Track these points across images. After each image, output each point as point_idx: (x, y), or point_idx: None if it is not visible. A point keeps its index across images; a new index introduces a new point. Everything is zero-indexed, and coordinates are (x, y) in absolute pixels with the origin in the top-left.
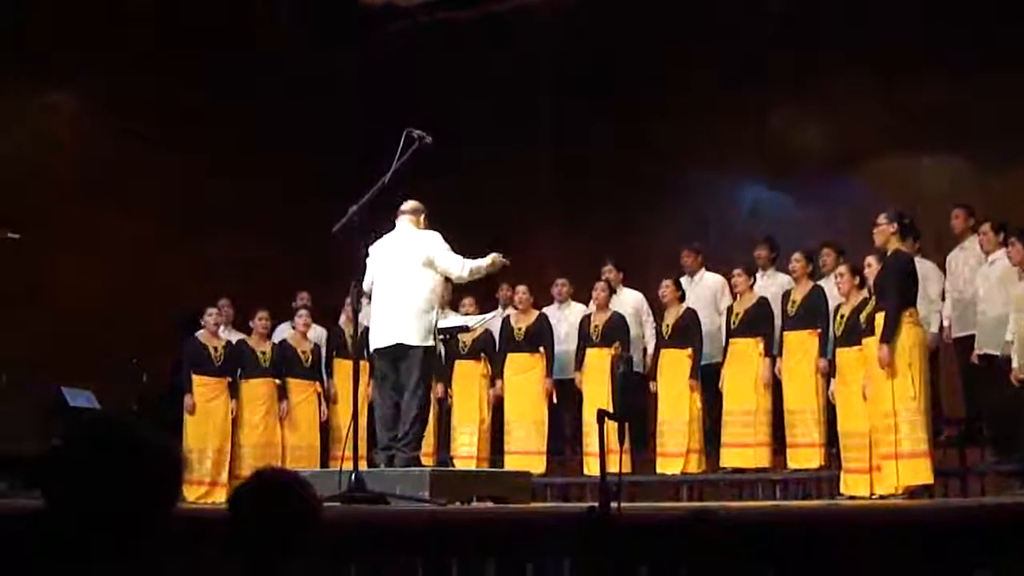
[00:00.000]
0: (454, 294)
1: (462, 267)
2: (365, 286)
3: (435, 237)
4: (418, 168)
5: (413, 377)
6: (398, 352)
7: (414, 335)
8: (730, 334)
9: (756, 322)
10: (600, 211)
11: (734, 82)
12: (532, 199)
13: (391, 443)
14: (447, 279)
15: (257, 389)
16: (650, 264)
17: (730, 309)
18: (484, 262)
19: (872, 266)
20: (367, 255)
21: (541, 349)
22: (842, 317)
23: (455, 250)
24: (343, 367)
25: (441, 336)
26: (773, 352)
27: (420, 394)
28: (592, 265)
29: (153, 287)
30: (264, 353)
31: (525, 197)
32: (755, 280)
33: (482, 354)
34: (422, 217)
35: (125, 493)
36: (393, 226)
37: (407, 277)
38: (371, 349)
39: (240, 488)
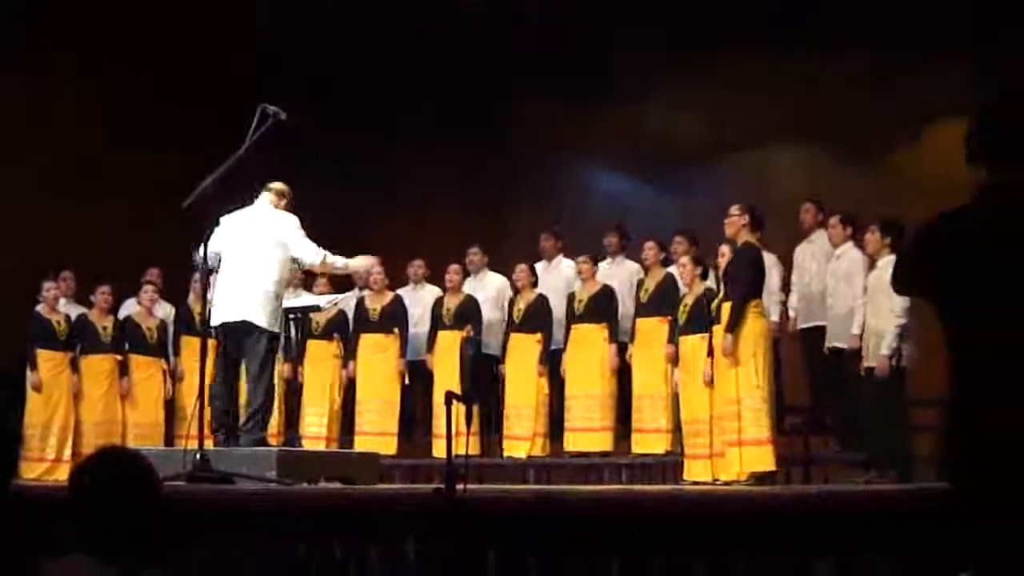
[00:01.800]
0: (308, 273)
1: (316, 254)
2: (210, 257)
3: (292, 220)
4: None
5: (256, 363)
6: (242, 329)
7: (260, 316)
8: (573, 319)
9: (600, 308)
10: (458, 193)
11: (602, 68)
12: (387, 180)
13: (226, 419)
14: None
15: (98, 365)
16: (512, 247)
17: (572, 295)
18: (348, 261)
19: (726, 255)
20: (216, 224)
21: (395, 330)
22: (685, 306)
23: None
24: (191, 345)
25: (292, 315)
26: (618, 338)
27: (264, 380)
28: (452, 247)
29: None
30: (105, 328)
31: (382, 178)
32: (599, 268)
33: (335, 334)
34: (284, 201)
35: None
36: (252, 202)
37: (258, 256)
38: (213, 323)
39: (80, 466)
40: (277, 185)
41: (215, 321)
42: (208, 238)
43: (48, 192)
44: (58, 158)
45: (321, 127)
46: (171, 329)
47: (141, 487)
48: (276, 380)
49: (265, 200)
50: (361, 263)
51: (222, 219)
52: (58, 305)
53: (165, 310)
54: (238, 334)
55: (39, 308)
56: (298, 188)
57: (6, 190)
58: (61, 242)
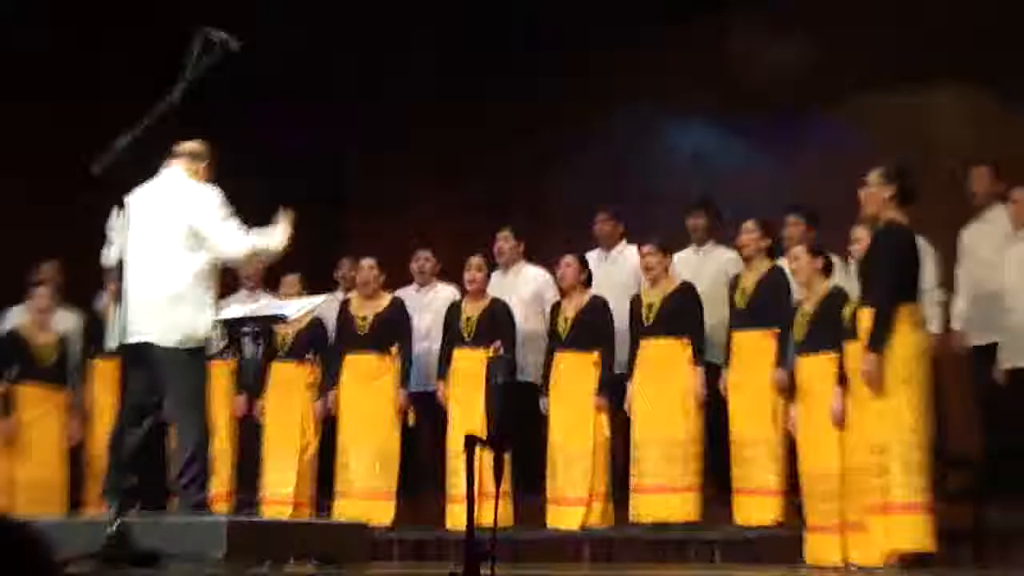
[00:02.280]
0: (272, 269)
1: (240, 242)
2: (112, 254)
3: (209, 195)
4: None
5: (176, 396)
6: (144, 355)
7: (170, 332)
8: (641, 332)
9: (679, 316)
10: (480, 159)
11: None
12: (377, 141)
13: (123, 481)
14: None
15: None
16: (554, 232)
17: (639, 299)
18: (274, 236)
19: (862, 241)
20: (121, 207)
21: (393, 349)
22: (803, 314)
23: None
24: (104, 370)
25: (247, 329)
26: (705, 358)
27: (193, 418)
28: (473, 234)
29: None
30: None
31: (371, 139)
32: (677, 259)
33: (308, 354)
34: (203, 166)
35: None
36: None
37: (164, 248)
38: (117, 344)
39: None
40: (190, 145)
41: (121, 341)
42: (111, 225)
43: None
44: None
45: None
46: (74, 348)
47: (34, 572)
48: (219, 420)
49: (176, 169)
50: (287, 220)
51: (127, 199)
52: None
53: (67, 322)
54: (146, 360)
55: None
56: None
57: None
58: None
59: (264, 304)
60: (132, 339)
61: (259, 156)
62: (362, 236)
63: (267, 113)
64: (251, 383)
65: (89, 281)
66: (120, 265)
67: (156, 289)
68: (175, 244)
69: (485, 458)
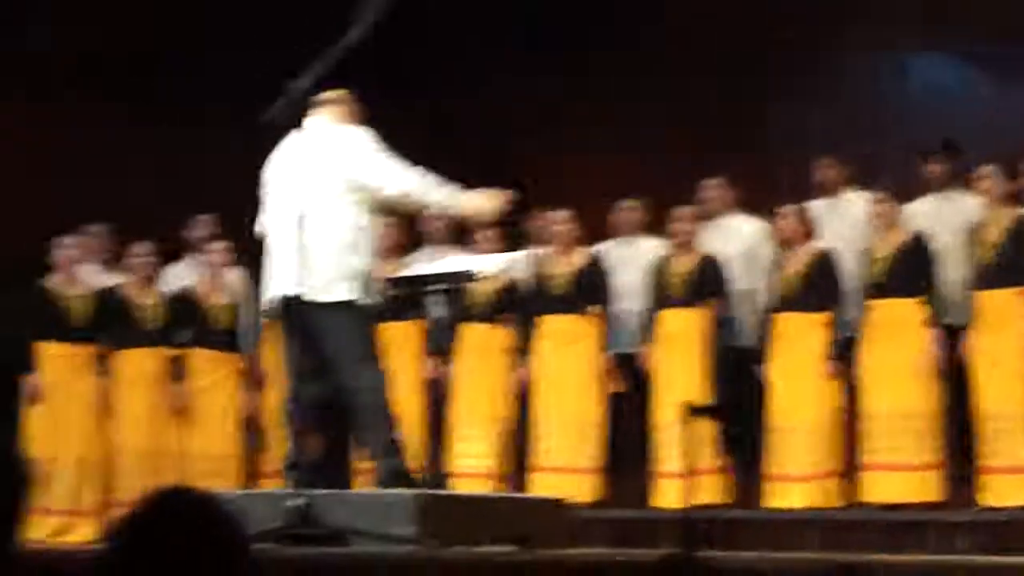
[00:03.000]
0: (462, 224)
1: (401, 180)
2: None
3: (360, 134)
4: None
5: (345, 354)
6: (304, 314)
7: (326, 285)
8: (871, 290)
9: (911, 272)
10: (693, 101)
11: None
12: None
13: (300, 453)
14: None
15: (139, 364)
16: (775, 180)
17: (868, 253)
18: (454, 197)
19: None
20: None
21: (593, 308)
22: None
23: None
24: (275, 332)
25: (435, 288)
26: (944, 319)
27: (367, 377)
28: (680, 180)
29: None
30: (150, 307)
31: (573, 88)
32: (907, 208)
33: (504, 316)
34: (347, 110)
35: None
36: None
37: (315, 197)
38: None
39: (127, 521)
40: (332, 92)
41: (274, 300)
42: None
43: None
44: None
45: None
46: (246, 309)
47: (222, 551)
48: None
49: (321, 118)
50: (477, 204)
51: (275, 153)
52: (78, 274)
53: (234, 281)
54: (301, 319)
55: (49, 279)
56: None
57: None
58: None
59: (454, 261)
60: (288, 294)
61: (431, 108)
62: (552, 187)
63: (437, 64)
64: (440, 346)
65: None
66: (270, 222)
67: (313, 241)
68: (329, 192)
69: (703, 430)
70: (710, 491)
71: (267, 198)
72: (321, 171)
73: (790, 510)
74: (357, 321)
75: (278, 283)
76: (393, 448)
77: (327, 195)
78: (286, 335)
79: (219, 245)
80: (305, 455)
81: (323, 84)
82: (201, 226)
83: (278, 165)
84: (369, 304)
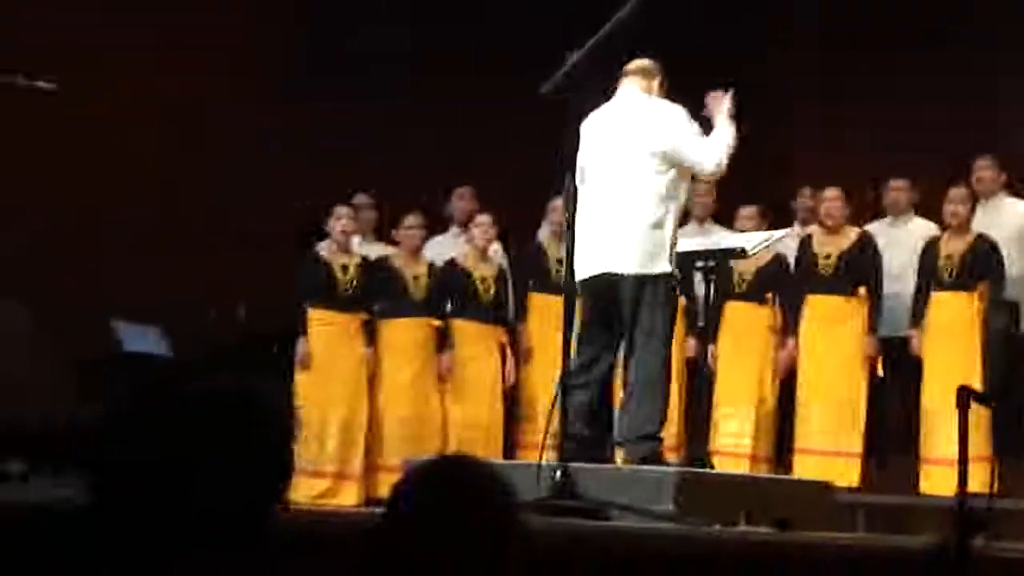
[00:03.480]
0: (725, 201)
1: (718, 159)
2: (568, 182)
3: (675, 112)
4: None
5: (640, 325)
6: (609, 286)
7: (634, 259)
8: None
9: None
10: (960, 75)
11: None
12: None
13: (589, 427)
14: (692, 177)
15: (406, 333)
16: None
17: None
18: (730, 133)
19: None
20: (578, 135)
21: (861, 290)
22: None
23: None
24: (542, 306)
25: (701, 263)
26: None
27: (653, 350)
28: (951, 156)
29: (251, 174)
30: (417, 278)
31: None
32: None
33: (769, 294)
34: (656, 82)
35: (211, 484)
36: (611, 95)
37: (627, 172)
38: (578, 278)
39: (404, 486)
40: (640, 63)
41: (579, 275)
42: (576, 149)
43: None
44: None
45: None
46: (509, 282)
47: (498, 518)
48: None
49: (631, 89)
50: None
51: (582, 127)
52: (352, 244)
53: (498, 253)
54: (608, 293)
55: (320, 248)
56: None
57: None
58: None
59: (718, 238)
60: (595, 271)
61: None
62: (821, 162)
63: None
64: (703, 324)
65: (513, 210)
66: (574, 193)
67: (625, 214)
68: (643, 166)
69: (980, 415)
70: (981, 479)
71: (582, 166)
72: (638, 145)
73: None
74: (664, 295)
75: (594, 257)
76: (654, 431)
77: (642, 168)
78: (587, 307)
79: (484, 218)
80: (575, 428)
81: (599, 56)
82: (463, 198)
83: (594, 132)
84: (675, 278)
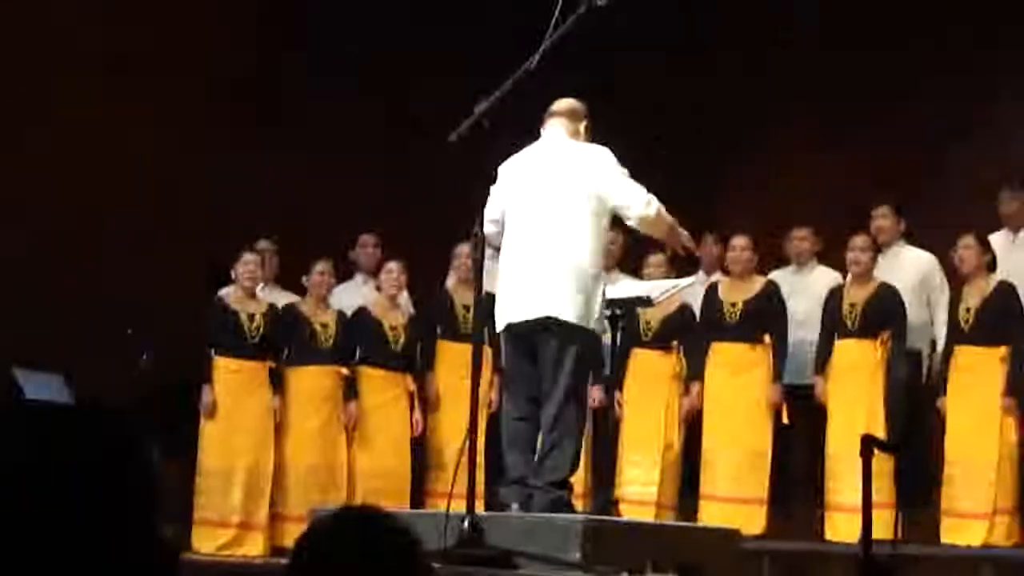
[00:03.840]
0: (629, 248)
1: (646, 203)
2: (488, 228)
3: (605, 156)
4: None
5: (563, 372)
6: (542, 331)
7: (569, 306)
8: None
9: None
10: (873, 127)
11: None
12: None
13: (526, 475)
14: (616, 223)
15: (313, 380)
16: (946, 209)
17: None
18: (677, 226)
19: None
20: (494, 179)
21: (766, 337)
22: None
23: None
24: (451, 354)
25: (610, 312)
26: None
27: (572, 400)
28: (851, 206)
29: (171, 219)
30: (325, 326)
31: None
32: None
33: (675, 342)
34: (583, 125)
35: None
36: (535, 137)
37: (561, 216)
38: (499, 327)
39: (309, 536)
40: (565, 104)
41: (500, 321)
42: (487, 199)
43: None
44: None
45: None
46: (417, 329)
47: (404, 572)
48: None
49: (556, 131)
50: (688, 242)
51: (501, 169)
52: (257, 290)
53: (406, 302)
54: (534, 338)
55: (226, 294)
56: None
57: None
58: (246, 198)
59: (626, 285)
60: (525, 316)
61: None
62: (733, 210)
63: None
64: (610, 372)
65: (423, 258)
66: (482, 239)
67: (562, 259)
68: (579, 209)
69: (883, 463)
70: (885, 526)
71: (506, 210)
72: (572, 187)
73: (967, 547)
74: (588, 346)
75: (525, 302)
76: (565, 480)
77: (578, 211)
78: (520, 355)
79: (394, 265)
80: (524, 472)
81: (507, 104)
82: (367, 246)
83: (518, 176)
84: (596, 330)
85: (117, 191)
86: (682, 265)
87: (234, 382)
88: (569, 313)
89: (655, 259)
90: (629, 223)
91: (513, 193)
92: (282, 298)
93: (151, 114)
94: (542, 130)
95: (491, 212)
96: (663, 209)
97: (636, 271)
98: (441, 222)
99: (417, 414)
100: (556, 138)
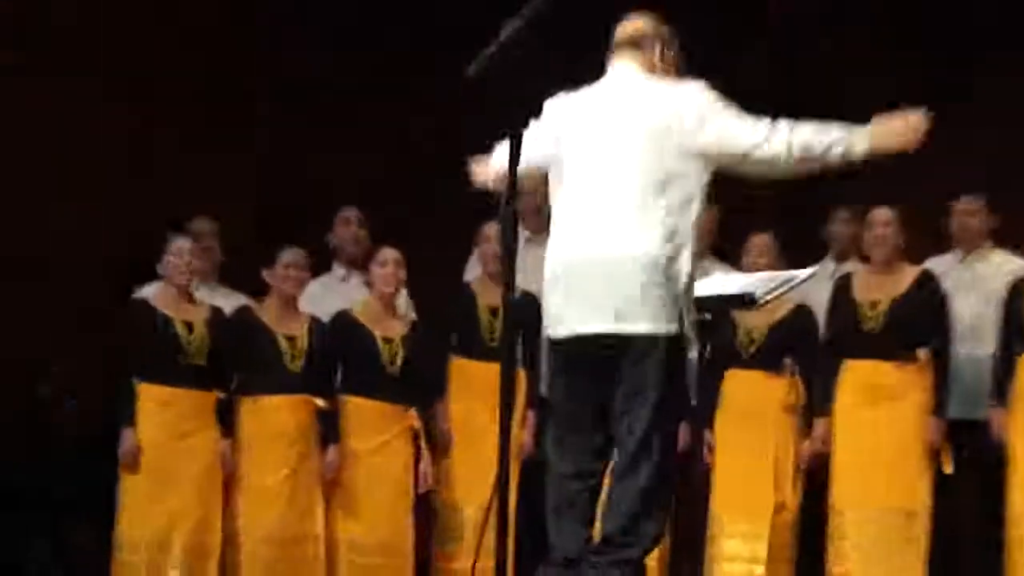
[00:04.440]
0: (726, 229)
1: (776, 138)
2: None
3: (697, 94)
4: None
5: (640, 407)
6: (606, 348)
7: (646, 311)
8: None
9: None
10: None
11: None
12: None
13: (581, 553)
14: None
15: (277, 416)
16: None
17: None
18: (853, 134)
19: None
20: (527, 123)
21: (921, 352)
22: None
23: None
24: (470, 377)
25: (702, 316)
26: None
27: (655, 446)
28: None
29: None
30: (293, 339)
31: None
32: None
33: (787, 360)
34: (664, 52)
35: None
36: (597, 76)
37: (633, 184)
38: (547, 341)
39: None
40: (632, 28)
41: (551, 335)
42: (517, 150)
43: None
44: None
45: None
46: (422, 343)
47: None
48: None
49: (625, 67)
50: (896, 134)
51: (548, 106)
52: (191, 288)
53: (405, 307)
54: (594, 358)
55: (149, 295)
56: None
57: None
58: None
59: (719, 280)
60: (587, 328)
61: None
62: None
63: None
64: (696, 402)
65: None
66: (512, 217)
67: (622, 246)
68: (649, 176)
69: None
70: None
71: (552, 169)
72: (640, 146)
73: None
74: (673, 366)
75: (578, 307)
76: (639, 561)
77: (647, 180)
78: (574, 382)
79: (390, 254)
80: (578, 549)
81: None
82: (350, 224)
83: (568, 128)
84: (688, 339)
85: None
86: (800, 250)
87: (166, 420)
88: (646, 320)
89: (759, 241)
90: (758, 171)
91: (563, 148)
92: (230, 300)
93: None
94: (608, 65)
95: (527, 165)
96: (809, 133)
97: (730, 257)
98: (455, 192)
99: (424, 462)
100: (625, 77)
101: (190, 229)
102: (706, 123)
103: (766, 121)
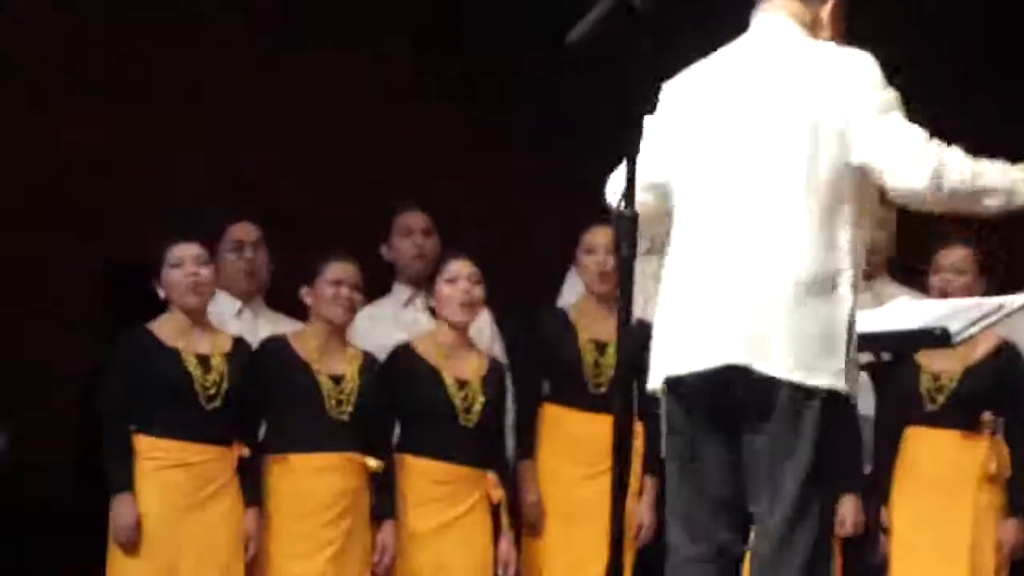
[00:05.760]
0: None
1: (923, 166)
2: (641, 198)
3: (862, 73)
4: None
5: (790, 471)
6: (745, 393)
7: (794, 348)
8: None
9: None
10: None
11: None
12: None
13: None
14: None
15: (318, 479)
16: None
17: None
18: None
19: None
20: (646, 110)
21: None
22: None
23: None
24: (564, 430)
25: (867, 359)
26: None
27: (809, 522)
28: None
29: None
30: (340, 380)
31: None
32: None
33: (988, 414)
34: (827, 8)
35: None
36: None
37: (780, 185)
38: (656, 382)
39: None
40: None
41: (660, 372)
42: (635, 146)
43: None
44: None
45: None
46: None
47: None
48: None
49: (775, 21)
50: None
51: (667, 90)
52: (208, 306)
53: (485, 335)
54: (729, 405)
55: (154, 326)
56: None
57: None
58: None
59: (898, 310)
60: (704, 364)
61: None
62: None
63: None
64: (869, 470)
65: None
66: (627, 221)
67: (765, 266)
68: (800, 173)
69: None
70: None
71: (676, 170)
72: (791, 132)
73: None
74: (837, 418)
75: (708, 341)
76: None
77: (798, 179)
78: (703, 437)
79: (464, 268)
80: None
81: None
82: (411, 234)
83: (696, 110)
84: (852, 385)
85: None
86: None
87: (174, 483)
88: (793, 360)
89: (955, 255)
90: (896, 200)
91: (690, 139)
92: (279, 327)
93: None
94: (752, 20)
95: (647, 171)
96: (965, 169)
97: (914, 278)
98: (551, 191)
99: (505, 543)
100: (773, 35)
101: (229, 235)
102: (859, 117)
103: (933, 144)
